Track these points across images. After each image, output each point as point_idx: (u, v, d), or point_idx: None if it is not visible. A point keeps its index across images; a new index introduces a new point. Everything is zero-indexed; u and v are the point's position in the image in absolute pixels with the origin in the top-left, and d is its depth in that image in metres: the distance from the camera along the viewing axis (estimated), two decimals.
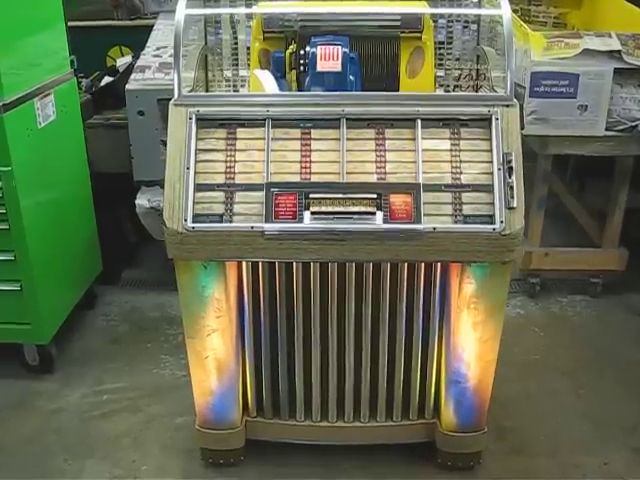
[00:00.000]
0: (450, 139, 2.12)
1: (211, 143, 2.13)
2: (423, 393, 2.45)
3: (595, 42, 2.97)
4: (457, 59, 2.53)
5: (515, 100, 2.12)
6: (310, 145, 2.11)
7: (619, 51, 2.94)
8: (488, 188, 2.09)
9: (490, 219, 2.07)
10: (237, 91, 2.62)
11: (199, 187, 2.09)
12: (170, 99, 2.15)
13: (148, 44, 3.76)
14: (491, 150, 2.10)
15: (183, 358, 2.99)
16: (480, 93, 2.22)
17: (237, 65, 2.58)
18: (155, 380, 2.98)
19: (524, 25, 3.11)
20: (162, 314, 3.42)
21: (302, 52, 2.24)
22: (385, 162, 2.11)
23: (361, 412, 2.48)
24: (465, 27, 2.50)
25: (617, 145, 3.14)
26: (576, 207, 3.94)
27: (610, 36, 2.98)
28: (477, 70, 2.51)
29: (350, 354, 2.35)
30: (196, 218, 2.07)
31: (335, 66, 2.17)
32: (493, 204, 2.08)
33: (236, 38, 2.54)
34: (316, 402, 2.45)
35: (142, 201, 3.30)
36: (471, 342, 2.28)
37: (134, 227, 3.60)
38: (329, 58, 2.18)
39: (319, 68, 2.17)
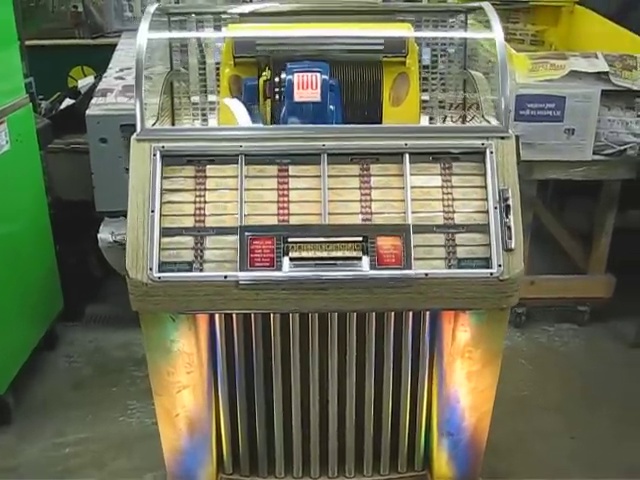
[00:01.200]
0: (441, 175, 1.91)
1: (178, 182, 1.88)
2: (412, 444, 2.24)
3: (581, 63, 2.79)
4: (442, 84, 2.32)
5: (510, 131, 1.92)
6: (288, 183, 1.88)
7: (606, 72, 2.76)
8: (483, 228, 1.88)
9: (487, 262, 1.86)
10: (205, 119, 2.38)
11: (165, 231, 1.85)
12: (135, 125, 1.91)
13: (110, 65, 3.50)
14: (486, 186, 1.89)
15: (152, 404, 2.74)
16: (472, 124, 2.02)
17: (205, 91, 2.34)
18: (121, 429, 2.72)
19: (507, 45, 2.91)
20: (128, 354, 3.15)
21: (277, 80, 2.01)
22: (371, 201, 1.89)
23: (346, 466, 2.25)
24: (449, 50, 2.29)
25: (604, 169, 2.96)
26: (558, 230, 3.77)
27: (597, 57, 2.81)
28: (464, 97, 2.30)
29: (333, 405, 2.13)
30: (163, 267, 1.83)
31: (314, 95, 1.95)
32: (489, 246, 1.87)
33: (204, 62, 2.30)
34: (297, 456, 2.22)
35: (105, 235, 3.04)
36: (465, 393, 2.06)
37: (98, 260, 3.32)
38: (307, 86, 1.95)
39: (296, 98, 1.95)
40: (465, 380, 2.04)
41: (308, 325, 1.97)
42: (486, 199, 1.89)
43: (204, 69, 2.31)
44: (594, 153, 2.88)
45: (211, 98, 2.39)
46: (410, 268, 1.84)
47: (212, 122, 2.34)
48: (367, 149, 1.90)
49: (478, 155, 1.91)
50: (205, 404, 2.07)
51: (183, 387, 2.00)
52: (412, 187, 1.89)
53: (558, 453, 2.61)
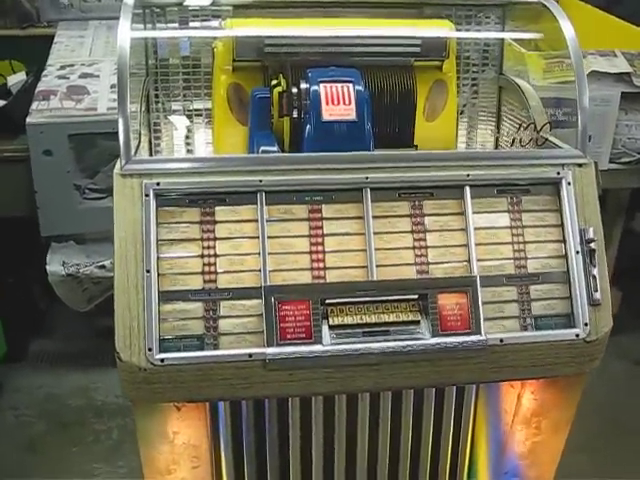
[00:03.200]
0: (509, 212, 1.48)
1: (179, 230, 1.39)
2: None
3: (601, 63, 2.42)
4: (475, 92, 1.89)
5: (589, 158, 1.51)
6: (322, 228, 1.42)
7: (628, 73, 2.40)
8: (562, 277, 1.47)
9: (568, 320, 1.46)
10: (190, 138, 1.86)
11: (166, 296, 1.36)
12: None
13: (49, 62, 2.91)
14: (562, 225, 1.48)
15: (122, 466, 2.25)
16: (543, 149, 1.60)
17: (190, 102, 1.83)
18: None
19: (514, 43, 2.51)
20: (87, 401, 2.61)
21: (295, 90, 1.53)
22: (427, 248, 1.44)
23: None
24: (483, 51, 1.86)
25: (615, 177, 2.62)
26: None
27: (615, 55, 2.45)
28: (499, 109, 1.88)
29: None
30: (165, 344, 1.34)
31: (348, 113, 1.48)
32: (570, 299, 1.47)
33: (195, 66, 1.78)
34: None
35: (55, 267, 2.48)
36: (526, 466, 1.67)
37: (44, 289, 2.76)
38: (339, 101, 1.48)
39: (326, 116, 1.47)
40: (527, 452, 1.65)
41: (352, 406, 1.53)
42: (563, 241, 1.48)
43: (194, 74, 1.79)
44: (610, 161, 2.53)
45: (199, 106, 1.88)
46: (480, 332, 1.41)
47: (203, 146, 1.83)
48: (419, 182, 1.45)
49: (552, 187, 1.50)
50: None
51: None
52: (475, 228, 1.46)
53: None
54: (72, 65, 2.84)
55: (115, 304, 1.35)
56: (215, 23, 1.79)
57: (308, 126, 1.50)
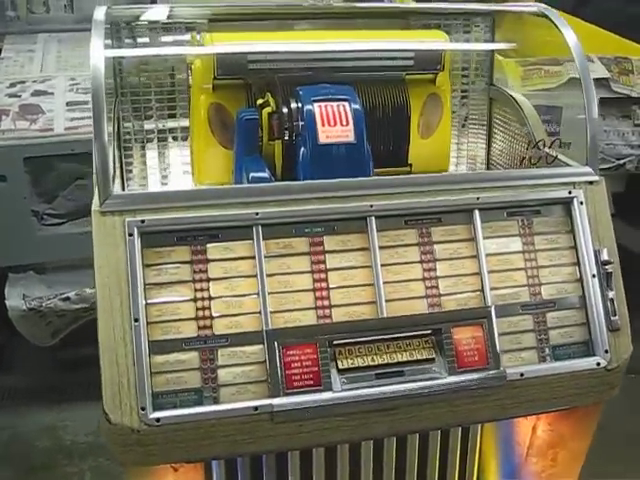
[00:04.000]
0: (520, 235, 1.37)
1: (168, 272, 1.23)
2: None
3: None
4: (463, 104, 1.77)
5: (600, 175, 1.42)
6: (325, 262, 1.28)
7: (607, 79, 2.33)
8: (579, 303, 1.38)
9: (587, 348, 1.36)
10: (165, 162, 1.70)
11: (158, 347, 1.20)
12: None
13: None
14: (576, 247, 1.38)
15: None
16: (552, 167, 1.49)
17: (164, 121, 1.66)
18: None
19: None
20: (55, 442, 2.40)
21: (286, 110, 1.38)
22: (437, 278, 1.32)
23: None
24: (472, 61, 1.75)
25: None
26: None
27: (592, 61, 2.37)
28: (489, 121, 1.77)
29: None
30: (159, 401, 1.18)
31: (346, 134, 1.35)
32: (588, 325, 1.37)
33: (161, 85, 1.61)
34: None
35: (15, 301, 2.27)
36: None
37: (2, 322, 2.54)
38: (335, 122, 1.35)
39: (322, 138, 1.34)
40: None
41: (356, 451, 1.39)
42: (578, 264, 1.38)
43: (168, 92, 1.62)
44: None
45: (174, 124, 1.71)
46: (498, 367, 1.30)
47: (179, 168, 1.67)
48: (427, 207, 1.33)
49: (564, 207, 1.40)
50: None
51: None
52: (487, 255, 1.35)
53: None
54: (23, 82, 2.63)
55: (101, 360, 1.19)
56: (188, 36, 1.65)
57: (303, 150, 1.36)
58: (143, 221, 1.22)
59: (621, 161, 2.43)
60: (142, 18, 1.53)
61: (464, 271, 1.34)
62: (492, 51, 1.76)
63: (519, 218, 1.38)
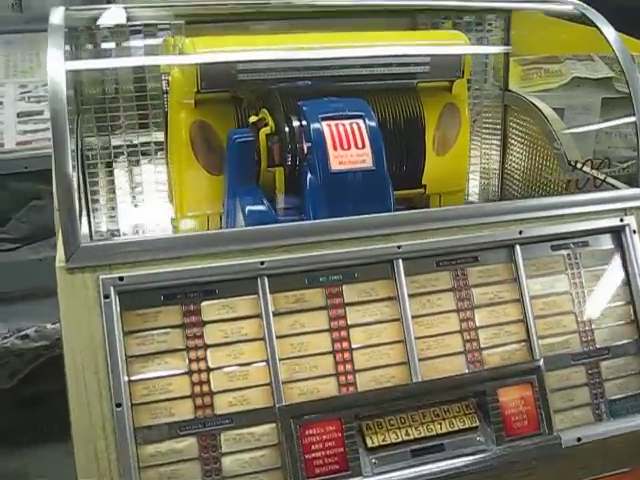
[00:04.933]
0: (567, 272, 1.16)
1: (155, 339, 0.98)
2: None
3: (579, 68, 2.14)
4: (477, 112, 1.55)
5: None
6: (345, 316, 1.04)
7: (610, 78, 2.14)
8: (635, 347, 1.17)
9: None
10: (137, 182, 1.42)
11: (146, 435, 0.95)
12: None
13: None
14: (629, 282, 1.17)
15: None
16: (599, 191, 1.27)
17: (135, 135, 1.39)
18: None
19: None
20: None
21: (287, 130, 1.13)
22: (476, 329, 1.10)
23: None
24: (486, 63, 1.52)
25: None
26: None
27: (593, 59, 2.18)
28: (504, 131, 1.55)
29: None
30: None
31: (363, 159, 1.10)
32: None
33: (130, 95, 1.34)
34: None
35: None
36: None
37: None
38: (349, 144, 1.10)
39: (335, 165, 1.09)
40: None
41: None
42: (632, 302, 1.17)
43: (139, 101, 1.34)
44: None
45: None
46: (552, 431, 1.08)
47: (154, 193, 1.40)
48: (462, 245, 1.10)
49: (614, 236, 1.18)
50: None
51: None
52: (532, 297, 1.13)
53: None
54: None
55: (75, 453, 0.93)
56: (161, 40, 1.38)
57: (311, 179, 1.11)
58: (121, 278, 0.96)
59: (623, 165, 2.24)
60: (105, 21, 1.25)
61: (506, 318, 1.12)
62: (507, 53, 1.53)
63: (565, 252, 1.16)
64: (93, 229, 1.40)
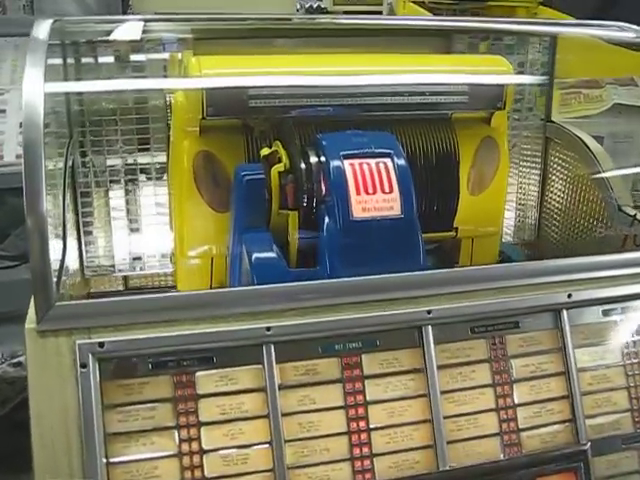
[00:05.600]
0: (619, 340, 0.99)
1: (141, 415, 0.83)
2: None
3: (621, 93, 1.97)
4: (512, 145, 1.39)
5: None
6: (364, 391, 0.89)
7: None
8: None
9: None
10: (136, 207, 1.27)
11: None
12: None
13: None
14: None
15: None
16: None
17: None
18: None
19: None
20: None
21: (303, 166, 0.98)
22: (514, 407, 0.94)
23: None
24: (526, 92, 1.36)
25: None
26: None
27: (637, 84, 2.00)
28: (543, 167, 1.38)
29: None
30: None
31: (390, 206, 0.95)
32: None
33: (130, 113, 1.19)
34: None
35: None
36: None
37: None
38: (375, 188, 0.95)
39: (357, 212, 0.94)
40: None
41: None
42: None
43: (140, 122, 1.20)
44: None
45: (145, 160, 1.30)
46: None
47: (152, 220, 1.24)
48: (501, 310, 0.94)
49: None
50: None
51: None
52: (579, 370, 0.97)
53: None
54: None
55: None
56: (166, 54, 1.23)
57: (329, 226, 0.95)
58: (102, 344, 0.81)
59: None
60: (109, 37, 1.10)
61: (549, 394, 0.96)
62: (551, 80, 1.37)
63: (618, 317, 1.00)
64: (85, 263, 1.26)
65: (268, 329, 0.85)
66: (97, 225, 1.25)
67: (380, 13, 3.28)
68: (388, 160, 0.98)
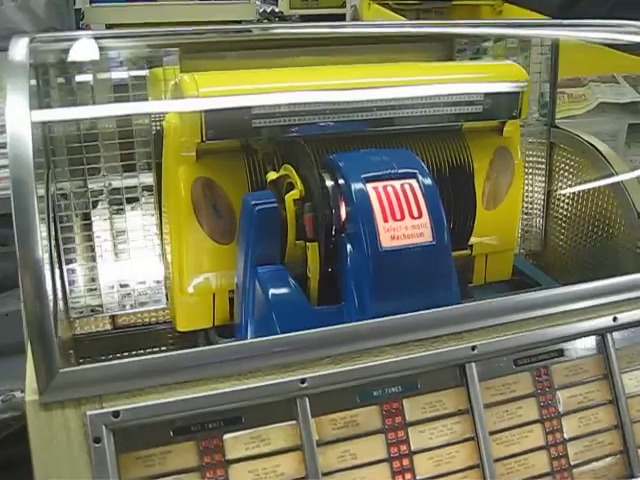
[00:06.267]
0: None
1: None
2: None
3: (605, 91, 1.93)
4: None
5: None
6: (408, 439, 0.80)
7: (637, 103, 1.93)
8: None
9: None
10: (122, 242, 1.16)
11: None
12: None
13: None
14: None
15: None
16: None
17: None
18: None
19: None
20: None
21: (322, 192, 0.89)
22: (564, 443, 0.86)
23: None
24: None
25: None
26: None
27: (617, 81, 1.96)
28: (547, 175, 1.32)
29: None
30: None
31: (421, 232, 0.86)
32: None
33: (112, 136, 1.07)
34: None
35: None
36: None
37: None
38: (402, 213, 0.86)
39: (386, 242, 0.84)
40: None
41: None
42: None
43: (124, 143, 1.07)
44: None
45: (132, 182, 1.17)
46: None
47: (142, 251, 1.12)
48: (544, 340, 0.86)
49: None
50: None
51: None
52: (627, 396, 0.90)
53: None
54: None
55: None
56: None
57: (355, 258, 0.86)
58: (117, 413, 0.70)
59: None
60: (77, 56, 0.97)
61: (598, 426, 0.89)
62: (554, 84, 1.31)
63: None
64: (69, 304, 1.14)
65: (302, 381, 0.76)
66: (81, 262, 1.13)
67: (342, 16, 3.20)
68: (413, 181, 0.89)
